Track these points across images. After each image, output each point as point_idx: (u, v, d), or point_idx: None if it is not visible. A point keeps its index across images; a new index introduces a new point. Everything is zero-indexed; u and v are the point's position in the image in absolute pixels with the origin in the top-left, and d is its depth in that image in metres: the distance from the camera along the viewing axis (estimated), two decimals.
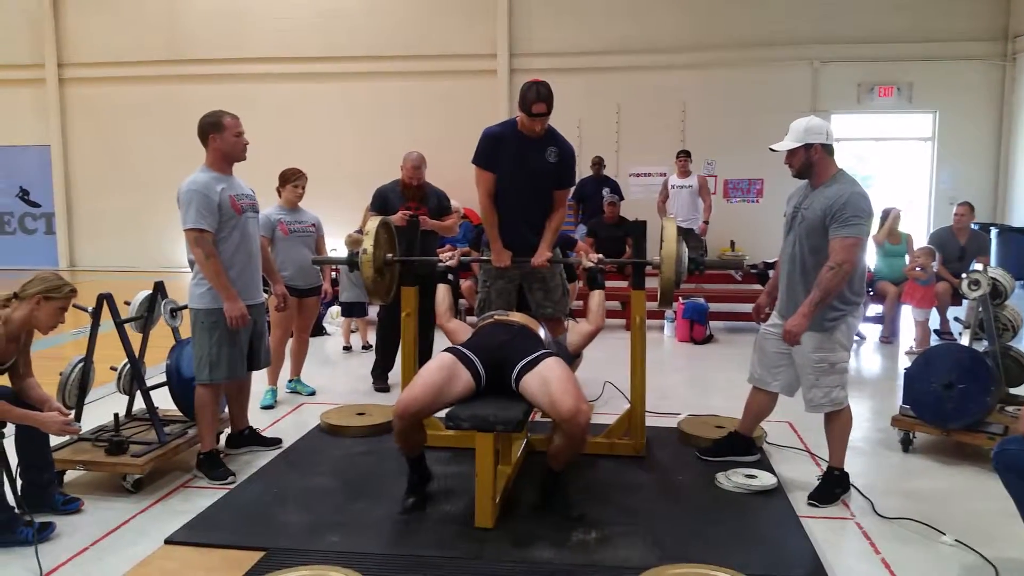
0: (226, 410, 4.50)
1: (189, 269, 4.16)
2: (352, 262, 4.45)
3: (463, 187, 11.21)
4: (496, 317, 4.13)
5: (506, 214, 4.56)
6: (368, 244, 4.27)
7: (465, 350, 3.72)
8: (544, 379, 3.49)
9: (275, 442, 4.60)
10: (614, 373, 5.66)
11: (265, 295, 4.51)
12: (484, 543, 3.34)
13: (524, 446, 4.32)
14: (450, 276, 4.48)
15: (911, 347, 7.25)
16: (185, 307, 4.21)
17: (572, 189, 4.85)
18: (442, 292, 4.43)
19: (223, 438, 4.54)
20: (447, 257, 4.48)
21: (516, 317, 4.11)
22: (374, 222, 4.41)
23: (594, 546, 3.32)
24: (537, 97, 4.31)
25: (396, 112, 13.43)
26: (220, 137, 4.05)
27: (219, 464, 4.15)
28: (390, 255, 4.53)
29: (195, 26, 14.03)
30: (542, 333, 4.06)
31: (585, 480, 3.99)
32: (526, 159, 4.48)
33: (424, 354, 5.38)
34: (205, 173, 4.03)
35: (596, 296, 4.31)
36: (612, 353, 5.19)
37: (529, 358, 3.62)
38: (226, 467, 4.15)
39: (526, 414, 3.60)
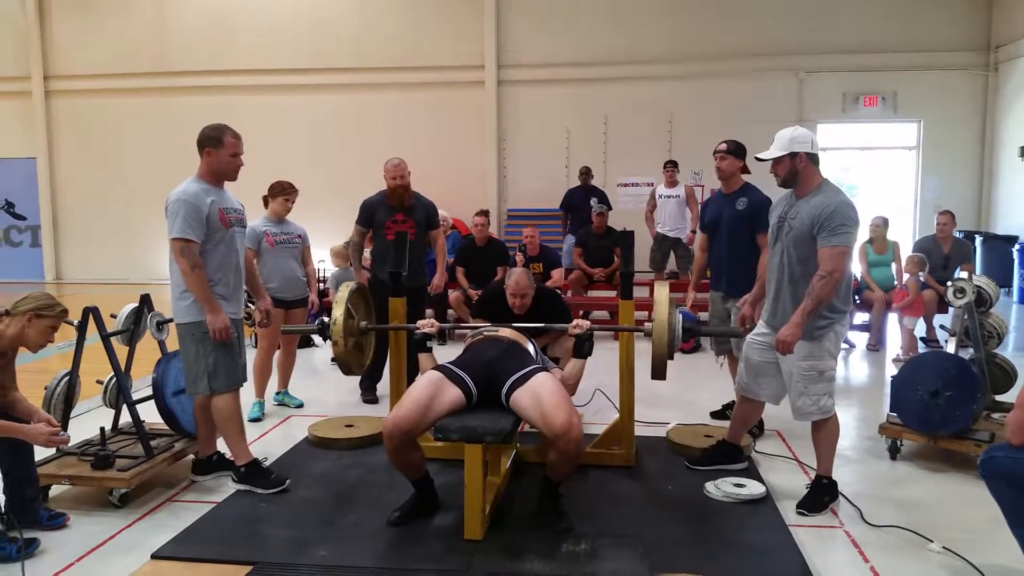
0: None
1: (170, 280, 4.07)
2: (323, 331, 4.13)
3: (451, 198, 11.28)
4: (486, 333, 4.12)
5: (714, 259, 5.20)
6: (338, 313, 4.00)
7: (454, 367, 3.71)
8: (536, 394, 3.49)
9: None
10: (603, 381, 5.66)
11: (250, 306, 4.46)
12: (473, 555, 3.33)
13: (513, 457, 4.31)
14: (429, 343, 4.10)
15: (898, 355, 7.28)
16: (171, 320, 4.16)
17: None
18: (426, 364, 4.01)
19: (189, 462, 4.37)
20: (425, 324, 4.12)
21: (506, 333, 4.11)
22: (345, 289, 4.12)
23: (584, 557, 3.31)
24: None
25: (383, 123, 13.44)
26: (216, 153, 3.98)
27: (267, 471, 4.11)
28: (364, 323, 4.33)
29: (182, 38, 14.00)
30: (531, 348, 4.06)
31: (575, 491, 3.97)
32: (721, 212, 5.06)
33: (413, 365, 5.36)
34: (196, 184, 3.97)
35: (577, 365, 3.99)
36: (601, 362, 5.19)
37: (520, 373, 3.61)
38: (277, 474, 4.11)
39: (515, 425, 3.59)
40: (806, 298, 3.64)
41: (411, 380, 4.17)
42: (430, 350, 4.12)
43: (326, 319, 4.13)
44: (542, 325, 4.39)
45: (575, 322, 4.04)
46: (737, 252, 4.93)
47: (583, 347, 3.98)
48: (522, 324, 4.34)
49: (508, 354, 3.83)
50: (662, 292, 3.92)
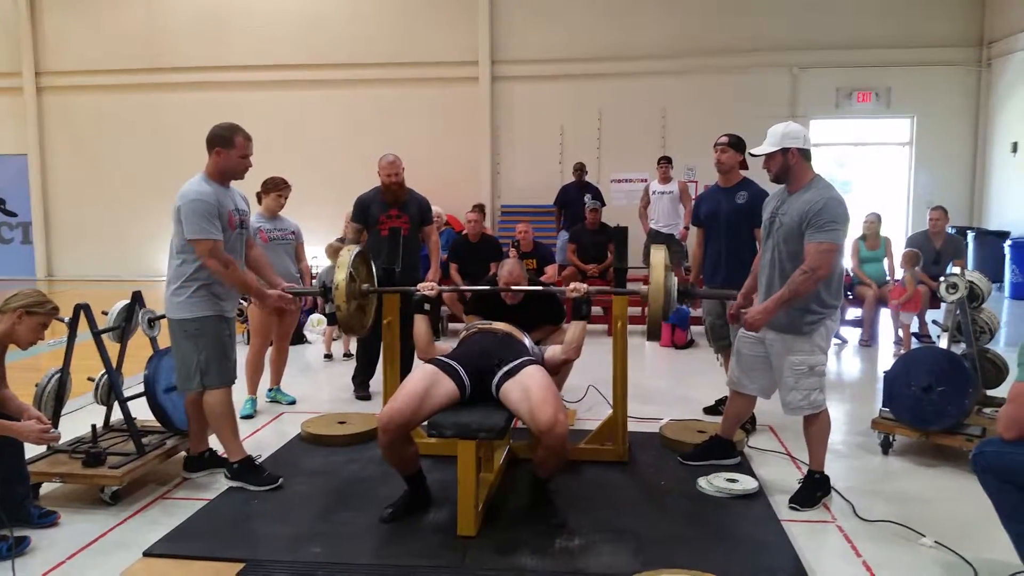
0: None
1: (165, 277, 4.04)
2: (325, 294, 4.21)
3: (445, 194, 11.26)
4: (480, 326, 4.13)
5: (711, 253, 5.15)
6: (341, 276, 4.04)
7: (448, 360, 3.71)
8: (525, 388, 3.49)
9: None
10: (597, 377, 5.66)
11: (243, 303, 4.45)
12: (466, 551, 3.32)
13: (506, 453, 4.31)
14: (427, 306, 4.21)
15: (900, 351, 7.26)
16: (163, 317, 4.14)
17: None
18: (420, 324, 4.17)
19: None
20: (425, 287, 4.24)
21: (500, 325, 4.11)
22: (348, 253, 4.17)
23: (577, 553, 3.31)
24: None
25: (377, 119, 13.40)
26: (226, 153, 3.94)
27: (260, 469, 4.09)
28: (366, 285, 4.36)
29: (174, 34, 13.94)
30: (527, 341, 4.05)
31: (568, 486, 3.98)
32: (720, 205, 5.07)
33: (405, 361, 5.35)
34: (207, 184, 3.92)
35: (578, 327, 4.05)
36: (595, 357, 5.19)
37: (510, 366, 3.61)
38: (270, 472, 4.08)
39: (508, 421, 3.59)
40: (784, 287, 3.65)
41: (404, 375, 4.17)
42: (428, 312, 4.20)
43: (329, 283, 4.21)
44: (541, 288, 4.57)
45: (572, 285, 4.17)
46: (736, 246, 4.92)
47: (581, 309, 4.09)
48: (519, 287, 4.44)
49: (501, 345, 3.83)
50: (658, 255, 3.95)
